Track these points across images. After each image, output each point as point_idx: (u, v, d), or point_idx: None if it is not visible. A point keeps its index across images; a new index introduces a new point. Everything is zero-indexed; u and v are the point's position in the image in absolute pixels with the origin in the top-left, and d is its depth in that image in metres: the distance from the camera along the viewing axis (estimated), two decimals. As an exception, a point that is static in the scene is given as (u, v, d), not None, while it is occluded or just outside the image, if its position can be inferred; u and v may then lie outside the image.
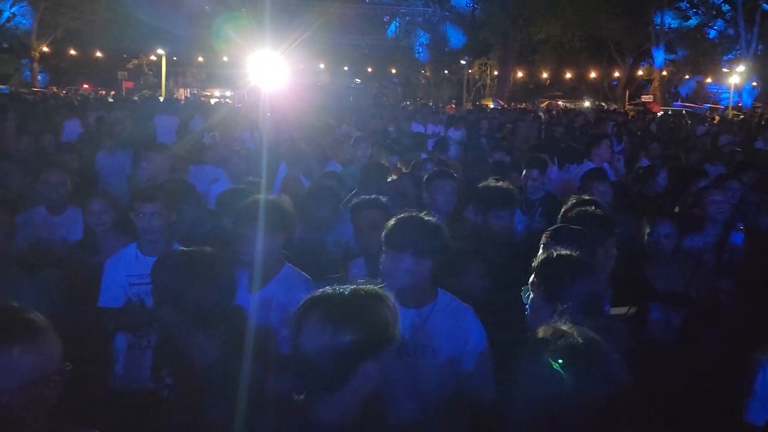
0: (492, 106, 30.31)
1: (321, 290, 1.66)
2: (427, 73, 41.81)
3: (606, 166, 5.99)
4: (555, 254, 2.23)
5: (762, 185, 5.52)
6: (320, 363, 1.53)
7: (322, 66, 36.40)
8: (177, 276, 2.10)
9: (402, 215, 2.49)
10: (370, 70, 41.95)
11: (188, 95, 33.30)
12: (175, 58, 36.66)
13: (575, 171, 6.15)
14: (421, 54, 41.02)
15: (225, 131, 9.39)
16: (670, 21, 37.66)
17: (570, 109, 24.83)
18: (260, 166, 5.65)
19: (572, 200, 3.42)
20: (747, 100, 33.51)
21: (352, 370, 1.55)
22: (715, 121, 17.15)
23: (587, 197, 3.57)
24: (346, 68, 38.63)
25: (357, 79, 38.53)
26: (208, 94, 33.71)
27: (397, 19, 42.42)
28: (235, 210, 2.91)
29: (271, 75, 14.74)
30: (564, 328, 1.50)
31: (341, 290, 1.63)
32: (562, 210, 3.36)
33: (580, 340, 1.44)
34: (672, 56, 38.73)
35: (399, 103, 27.55)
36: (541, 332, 1.51)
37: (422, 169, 5.39)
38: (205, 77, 40.91)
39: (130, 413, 2.64)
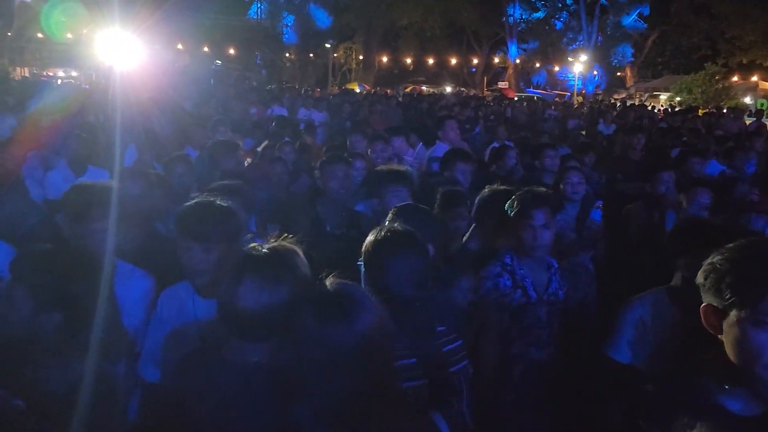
0: (358, 90, 30.54)
1: (247, 251, 1.77)
2: (292, 56, 41.11)
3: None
4: (384, 231, 2.19)
5: (600, 165, 6.00)
6: (258, 317, 1.67)
7: (180, 47, 34.51)
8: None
9: (195, 201, 2.39)
10: (232, 51, 40.47)
11: (27, 74, 30.26)
12: (9, 34, 32.98)
13: (425, 153, 6.31)
14: (285, 35, 40.15)
15: (66, 114, 8.55)
16: (522, 12, 39.92)
17: (432, 94, 25.57)
18: (103, 151, 5.17)
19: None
20: (589, 87, 36.44)
21: (289, 320, 1.65)
22: (555, 108, 18.46)
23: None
24: (206, 49, 36.96)
25: (218, 61, 37.02)
26: (51, 74, 30.79)
27: (259, -2, 41.27)
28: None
29: (122, 54, 13.67)
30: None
31: (264, 250, 1.77)
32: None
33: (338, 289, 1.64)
34: (525, 45, 41.14)
35: (263, 86, 26.84)
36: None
37: (282, 152, 5.23)
38: (47, 55, 37.20)
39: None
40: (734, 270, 1.34)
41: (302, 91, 22.86)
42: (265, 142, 6.69)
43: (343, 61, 44.37)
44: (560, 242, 3.71)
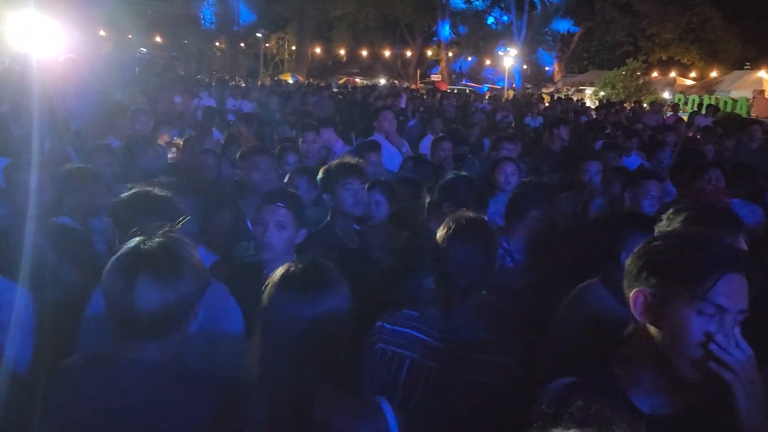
0: (291, 81, 30.13)
1: (130, 247, 1.58)
2: (222, 46, 40.08)
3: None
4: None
5: (526, 156, 6.16)
6: (160, 316, 1.54)
7: (102, 33, 32.99)
8: None
9: (132, 191, 2.30)
10: (158, 39, 39.05)
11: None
12: None
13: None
14: (206, 22, 38.86)
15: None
16: (458, 2, 40.21)
17: (366, 86, 25.51)
18: (9, 143, 4.84)
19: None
20: (518, 81, 37.29)
21: (189, 314, 1.62)
22: (485, 101, 18.85)
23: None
24: (130, 36, 35.48)
25: (143, 49, 35.62)
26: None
27: (185, -15, 39.88)
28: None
29: (39, 40, 12.91)
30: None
31: (154, 244, 1.59)
32: None
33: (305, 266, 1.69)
34: (455, 36, 41.58)
35: (192, 76, 26.04)
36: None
37: (203, 143, 5.07)
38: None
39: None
40: (676, 255, 1.34)
41: (232, 82, 22.33)
42: (189, 133, 6.47)
43: (275, 51, 43.63)
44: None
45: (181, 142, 6.16)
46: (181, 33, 38.64)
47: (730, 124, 12.11)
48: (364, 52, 45.38)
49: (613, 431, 0.82)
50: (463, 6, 39.99)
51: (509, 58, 35.93)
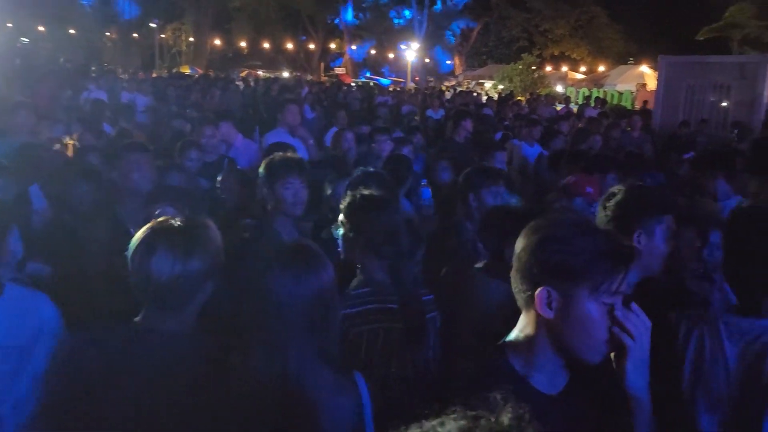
0: (189, 73, 29.10)
1: (156, 223, 1.82)
2: (113, 36, 38.01)
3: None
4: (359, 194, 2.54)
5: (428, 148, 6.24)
6: (173, 288, 1.75)
7: (-24, 21, 30.39)
8: None
9: None
10: (42, 28, 36.45)
11: None
12: None
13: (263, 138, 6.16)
14: (86, 6, 36.60)
15: None
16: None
17: (268, 78, 24.97)
18: None
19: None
20: (422, 75, 37.94)
21: (199, 290, 1.81)
22: (389, 95, 19.05)
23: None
24: (10, 25, 32.90)
25: (24, 39, 33.16)
26: None
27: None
28: None
29: None
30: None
31: (177, 222, 1.83)
32: None
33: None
34: (359, 22, 41.52)
35: (80, 68, 24.52)
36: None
37: (82, 140, 4.75)
38: None
39: None
40: (571, 256, 1.37)
41: (125, 74, 21.23)
42: (79, 131, 6.06)
43: (171, 43, 41.89)
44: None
45: (69, 141, 5.73)
46: (65, 22, 36.27)
47: (616, 115, 12.90)
48: (267, 45, 44.51)
49: (499, 416, 0.83)
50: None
51: (411, 52, 36.44)
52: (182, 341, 1.80)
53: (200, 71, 32.51)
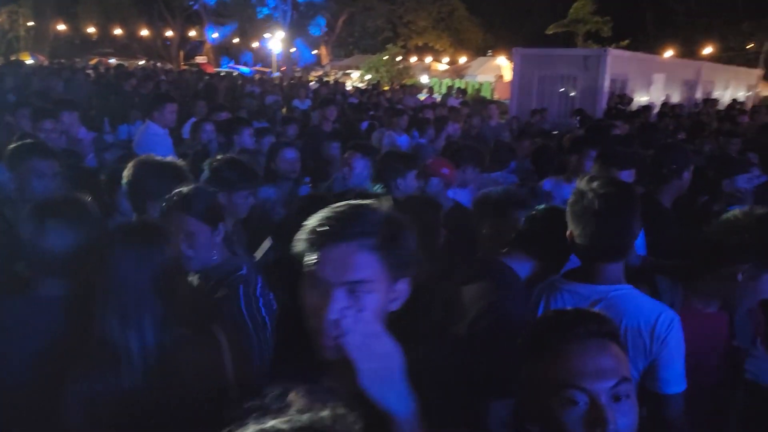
0: (31, 61, 26.48)
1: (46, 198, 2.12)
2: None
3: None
4: None
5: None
6: (61, 255, 1.96)
7: None
8: None
9: None
10: None
11: None
12: None
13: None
14: None
15: None
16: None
17: (118, 66, 23.13)
18: None
19: None
20: (288, 65, 37.31)
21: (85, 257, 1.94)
22: (254, 84, 18.57)
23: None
24: None
25: None
26: None
27: None
28: None
29: None
30: None
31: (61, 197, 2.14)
32: None
33: None
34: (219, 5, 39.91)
35: None
36: None
37: None
38: None
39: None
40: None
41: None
42: None
43: (7, 27, 37.85)
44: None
45: None
46: None
47: (476, 105, 13.44)
48: (119, 31, 41.55)
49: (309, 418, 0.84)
50: None
51: (276, 42, 35.74)
52: (57, 304, 1.99)
53: (42, 58, 29.71)
